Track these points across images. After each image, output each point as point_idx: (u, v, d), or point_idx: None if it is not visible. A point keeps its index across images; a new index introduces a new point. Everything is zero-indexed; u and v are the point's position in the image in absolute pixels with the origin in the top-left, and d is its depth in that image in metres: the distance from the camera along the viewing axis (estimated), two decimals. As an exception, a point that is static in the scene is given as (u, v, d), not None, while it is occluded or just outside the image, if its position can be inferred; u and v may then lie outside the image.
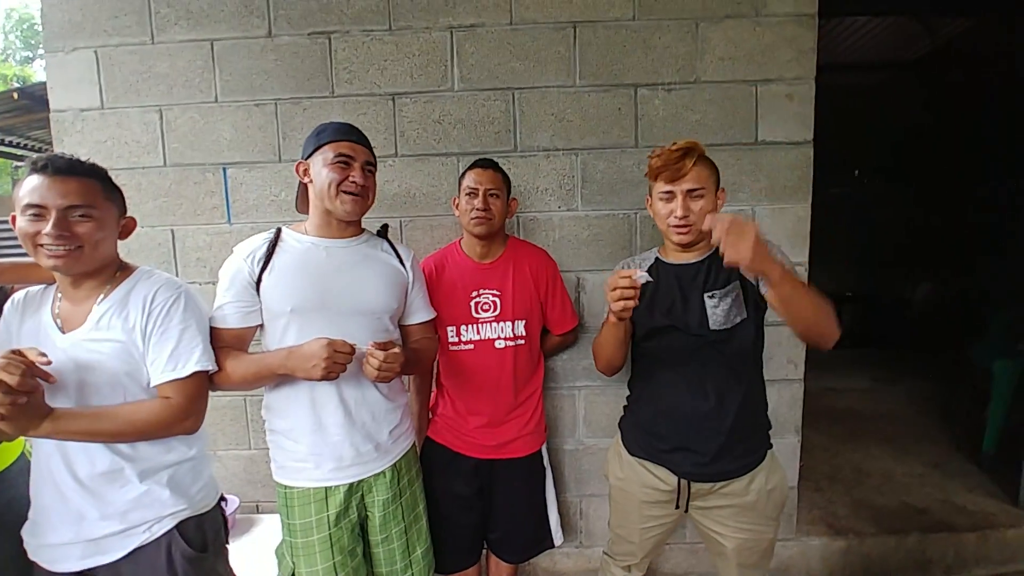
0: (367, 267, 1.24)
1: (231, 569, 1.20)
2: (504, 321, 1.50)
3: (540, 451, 1.61)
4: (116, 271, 1.07)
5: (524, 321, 1.52)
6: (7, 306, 1.07)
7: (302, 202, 1.29)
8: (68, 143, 1.79)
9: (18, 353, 0.86)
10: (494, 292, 1.50)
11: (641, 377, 1.36)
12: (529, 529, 1.59)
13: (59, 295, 1.06)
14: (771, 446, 1.32)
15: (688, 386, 1.24)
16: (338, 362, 1.07)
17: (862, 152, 4.65)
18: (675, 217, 1.21)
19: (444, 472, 1.49)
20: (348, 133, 1.21)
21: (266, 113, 1.75)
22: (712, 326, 1.20)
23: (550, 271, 1.58)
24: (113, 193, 1.06)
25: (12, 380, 0.83)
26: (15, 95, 5.71)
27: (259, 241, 1.21)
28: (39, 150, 7.38)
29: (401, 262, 1.32)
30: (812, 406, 1.96)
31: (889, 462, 2.69)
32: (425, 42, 1.70)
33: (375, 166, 1.25)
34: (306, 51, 1.72)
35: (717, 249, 1.24)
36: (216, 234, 1.81)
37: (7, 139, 6.95)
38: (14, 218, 0.98)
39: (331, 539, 1.19)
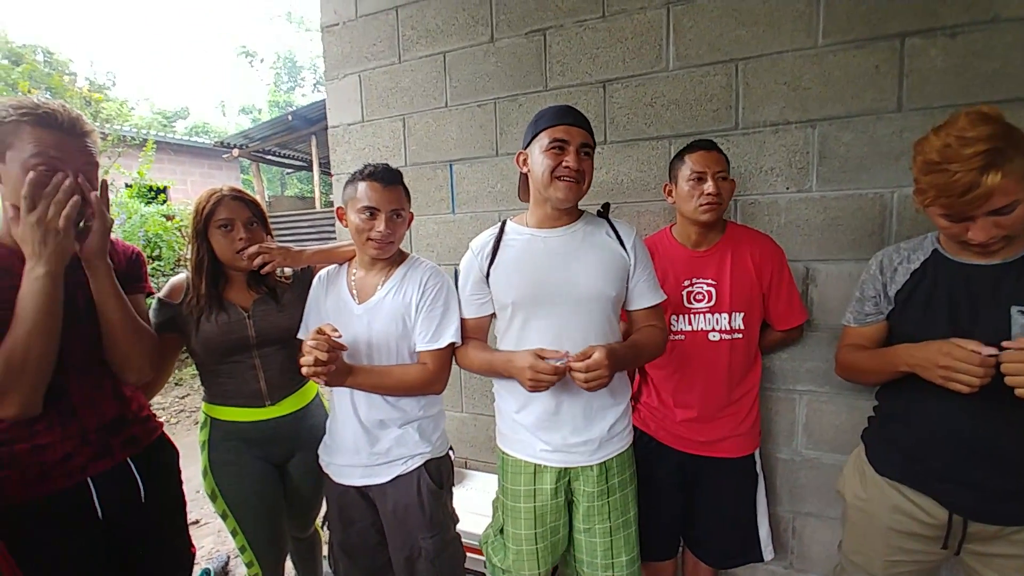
0: (584, 254, 1.21)
1: (453, 508, 1.41)
2: (720, 312, 1.40)
3: (753, 455, 1.48)
4: (397, 255, 1.33)
5: (742, 314, 1.40)
6: (315, 282, 1.42)
7: (523, 191, 1.33)
8: (339, 152, 2.24)
9: (320, 332, 1.13)
10: (709, 282, 1.41)
11: (901, 390, 1.13)
12: (734, 535, 1.49)
13: (353, 273, 1.35)
14: None
15: (972, 409, 1.00)
16: (541, 381, 1.09)
17: None
18: (972, 243, 0.97)
19: (646, 461, 1.48)
20: (564, 116, 1.17)
21: (486, 112, 1.93)
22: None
23: (776, 260, 1.42)
24: (408, 194, 1.32)
25: (323, 356, 1.10)
26: (289, 117, 7.42)
27: (487, 236, 1.30)
28: (301, 159, 9.49)
29: (622, 243, 1.24)
30: None
31: None
32: (639, 23, 1.66)
33: (593, 148, 1.20)
34: (523, 50, 1.84)
35: None
36: (442, 223, 2.08)
37: (282, 152, 9.11)
38: (339, 211, 1.31)
39: (535, 511, 1.25)
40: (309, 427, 1.48)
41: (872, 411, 1.26)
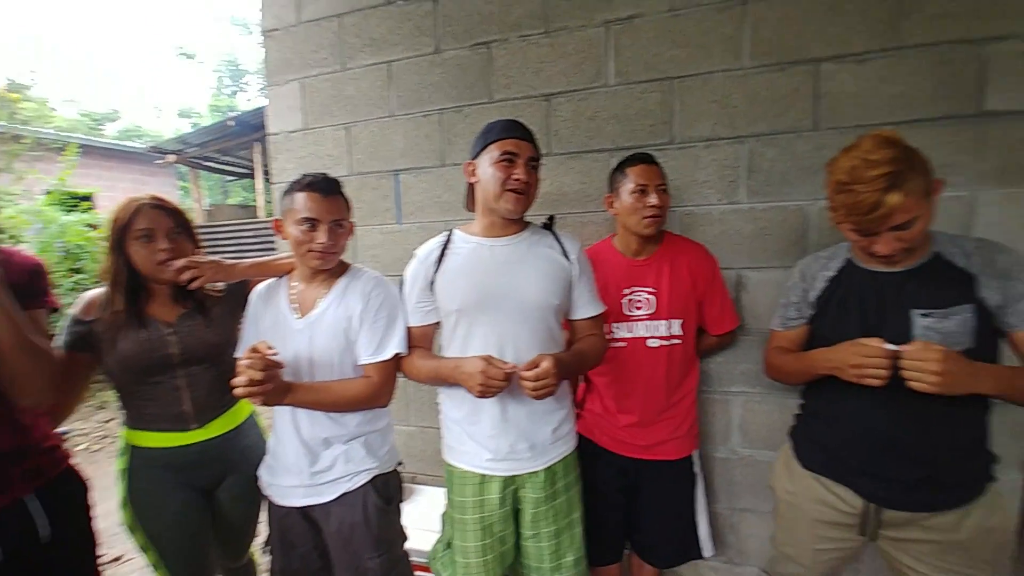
0: (528, 263, 1.23)
1: (403, 525, 1.37)
2: (659, 320, 1.45)
3: (691, 456, 1.53)
4: (338, 266, 1.30)
5: (680, 320, 1.46)
6: (252, 297, 1.35)
7: (470, 200, 1.33)
8: (280, 160, 2.17)
9: (254, 349, 1.08)
10: (649, 290, 1.46)
11: (822, 391, 1.21)
12: (676, 535, 1.53)
13: (293, 286, 1.30)
14: (993, 479, 1.10)
15: (884, 408, 1.08)
16: (492, 386, 1.09)
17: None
18: (878, 255, 1.06)
19: (590, 468, 1.50)
20: (513, 130, 1.20)
21: (432, 122, 1.92)
22: None
23: (710, 268, 1.49)
24: (348, 203, 1.29)
25: (258, 375, 1.05)
26: (230, 122, 7.10)
27: (433, 244, 1.30)
28: (244, 166, 9.08)
29: (565, 255, 1.27)
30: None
31: None
32: (580, 40, 1.71)
33: (539, 161, 1.23)
34: (468, 62, 1.85)
35: (937, 256, 1.07)
36: (388, 233, 2.05)
37: (223, 159, 8.69)
38: (277, 224, 1.26)
39: (483, 522, 1.25)
40: (242, 448, 1.40)
41: (798, 409, 1.34)
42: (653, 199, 1.38)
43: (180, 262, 1.23)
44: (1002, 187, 1.41)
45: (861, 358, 1.00)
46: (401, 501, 1.39)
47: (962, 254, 1.06)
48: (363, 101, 2.00)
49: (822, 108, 1.52)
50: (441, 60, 1.88)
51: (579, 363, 1.25)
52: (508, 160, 1.17)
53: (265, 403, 1.12)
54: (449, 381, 1.20)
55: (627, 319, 1.47)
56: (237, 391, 1.06)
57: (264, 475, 1.32)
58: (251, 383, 1.05)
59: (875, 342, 0.99)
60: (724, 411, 1.73)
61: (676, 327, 1.46)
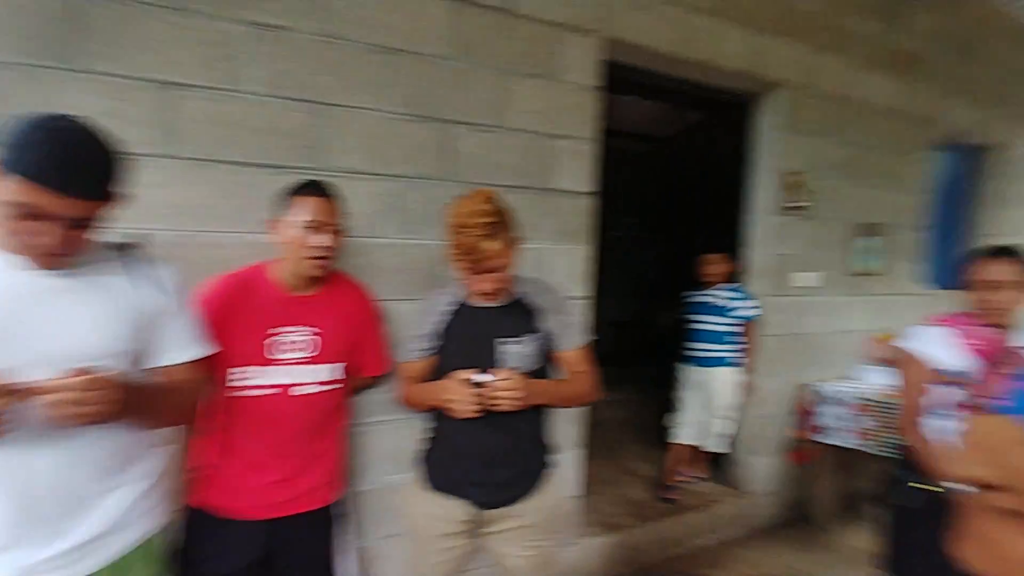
0: (84, 298, 0.90)
1: None
2: (317, 364, 1.32)
3: (341, 497, 1.47)
4: None
5: (343, 364, 1.37)
6: None
7: None
8: None
9: None
10: (313, 330, 1.31)
11: (437, 416, 1.37)
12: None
13: None
14: (552, 466, 1.43)
15: (485, 423, 1.25)
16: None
17: (635, 205, 5.69)
18: (480, 292, 1.27)
19: (213, 544, 1.24)
20: (41, 173, 0.77)
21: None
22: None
23: (371, 311, 1.48)
24: None
25: None
26: None
27: None
28: None
29: (147, 285, 0.97)
30: (590, 418, 2.24)
31: (646, 462, 3.24)
32: (219, 33, 1.46)
33: (89, 219, 0.85)
34: (49, 10, 1.30)
35: (520, 295, 1.36)
36: None
37: None
38: None
39: None
40: None
41: (422, 436, 1.45)
42: (324, 239, 1.24)
43: None
44: (562, 244, 1.98)
45: (450, 394, 1.17)
46: None
47: (534, 293, 1.39)
48: None
49: (455, 162, 1.78)
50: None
51: (153, 397, 0.97)
52: (29, 214, 0.79)
53: None
54: None
55: (270, 363, 1.27)
56: None
57: None
58: None
59: (463, 375, 1.17)
60: (372, 442, 1.73)
61: (339, 371, 1.36)
